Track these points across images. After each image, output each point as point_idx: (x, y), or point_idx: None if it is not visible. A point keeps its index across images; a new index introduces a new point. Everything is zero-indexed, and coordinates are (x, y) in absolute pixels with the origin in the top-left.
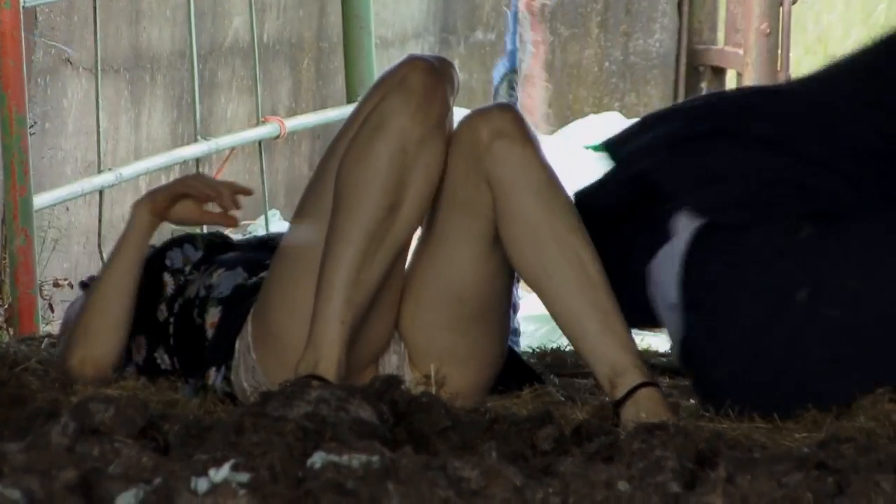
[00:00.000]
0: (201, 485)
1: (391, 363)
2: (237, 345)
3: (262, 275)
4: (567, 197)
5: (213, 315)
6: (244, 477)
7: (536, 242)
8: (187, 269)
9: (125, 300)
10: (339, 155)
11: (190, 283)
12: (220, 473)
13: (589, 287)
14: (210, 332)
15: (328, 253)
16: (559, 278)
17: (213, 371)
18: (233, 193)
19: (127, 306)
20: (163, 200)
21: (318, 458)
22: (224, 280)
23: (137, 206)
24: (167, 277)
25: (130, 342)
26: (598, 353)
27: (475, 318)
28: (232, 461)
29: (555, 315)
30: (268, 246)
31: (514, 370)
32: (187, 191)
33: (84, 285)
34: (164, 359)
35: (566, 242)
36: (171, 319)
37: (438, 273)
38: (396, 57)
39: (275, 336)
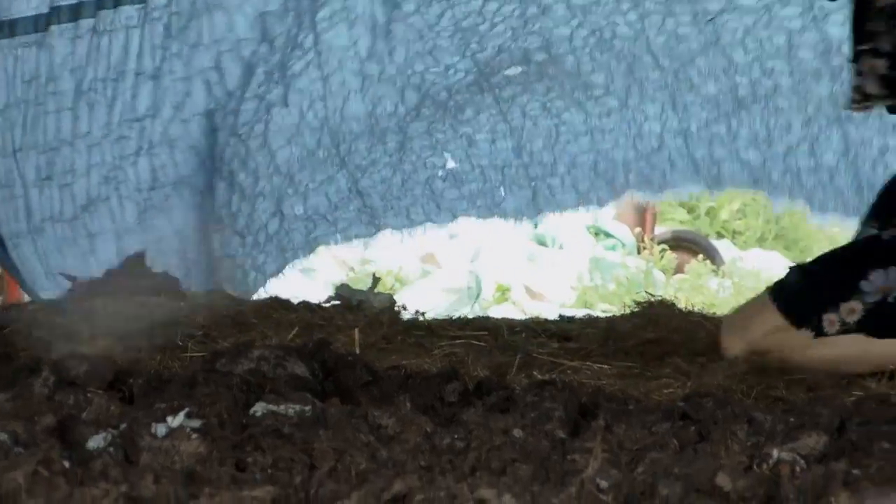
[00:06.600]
0: (160, 430)
1: None
2: None
3: None
4: None
5: None
6: (196, 423)
7: None
8: None
9: None
10: None
11: None
12: (176, 420)
13: None
14: None
15: None
16: None
17: None
18: None
19: None
20: None
21: (259, 408)
22: None
23: None
24: None
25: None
26: None
27: None
28: (186, 409)
29: None
30: None
31: None
32: None
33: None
34: None
35: None
36: None
37: None
38: None
39: None
